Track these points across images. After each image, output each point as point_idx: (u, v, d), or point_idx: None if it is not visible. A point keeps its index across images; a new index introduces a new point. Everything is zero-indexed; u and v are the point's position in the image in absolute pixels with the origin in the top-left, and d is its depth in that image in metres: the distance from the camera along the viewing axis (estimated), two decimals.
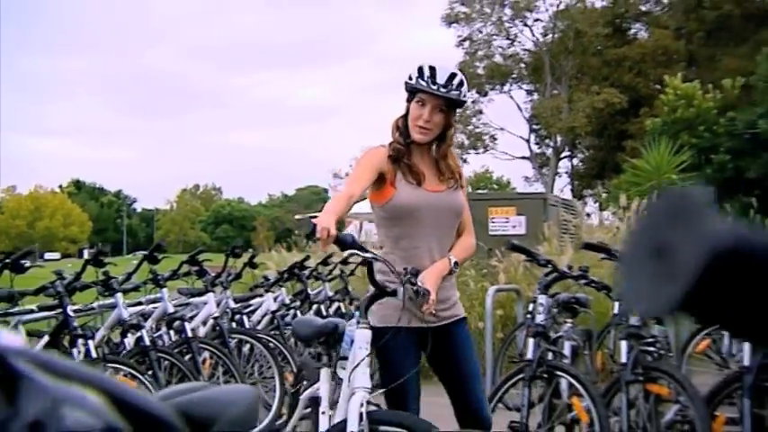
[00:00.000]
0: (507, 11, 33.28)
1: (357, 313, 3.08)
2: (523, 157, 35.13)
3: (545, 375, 3.98)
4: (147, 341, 4.44)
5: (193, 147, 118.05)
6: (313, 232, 2.60)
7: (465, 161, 35.39)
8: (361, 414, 2.80)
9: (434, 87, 2.88)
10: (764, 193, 13.69)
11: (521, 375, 3.95)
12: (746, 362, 3.59)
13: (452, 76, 2.94)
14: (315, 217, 2.68)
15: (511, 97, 34.89)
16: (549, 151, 34.49)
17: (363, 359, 2.85)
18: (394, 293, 2.84)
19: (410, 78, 2.95)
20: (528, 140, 34.64)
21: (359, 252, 2.81)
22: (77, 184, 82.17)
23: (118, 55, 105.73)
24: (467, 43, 34.23)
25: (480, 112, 34.89)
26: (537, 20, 33.32)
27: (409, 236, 3.00)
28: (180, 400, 1.32)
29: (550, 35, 33.08)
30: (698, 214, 0.39)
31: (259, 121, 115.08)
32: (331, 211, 2.78)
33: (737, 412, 3.59)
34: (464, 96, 3.02)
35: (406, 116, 3.01)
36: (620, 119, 29.01)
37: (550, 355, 4.10)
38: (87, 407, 0.50)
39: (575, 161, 36.09)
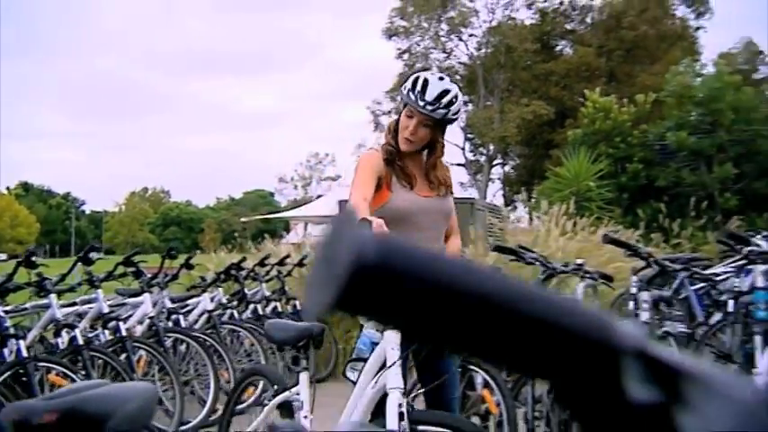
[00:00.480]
0: (444, 26, 33.47)
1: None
2: (459, 164, 35.42)
3: (460, 369, 4.04)
4: (81, 340, 4.36)
5: (143, 150, 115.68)
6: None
7: None
8: (401, 414, 2.70)
9: (421, 105, 2.82)
10: (672, 199, 14.03)
11: None
12: None
13: (443, 93, 2.85)
14: (365, 219, 2.55)
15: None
16: (483, 159, 34.77)
17: (397, 360, 2.73)
18: None
19: (404, 88, 2.91)
20: (463, 148, 34.83)
21: None
22: (25, 186, 79.57)
23: (68, 59, 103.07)
24: (406, 55, 34.32)
25: None
26: (471, 35, 33.55)
27: (403, 238, 2.94)
28: (74, 398, 1.32)
29: (484, 50, 33.33)
30: (351, 229, 0.40)
31: (208, 126, 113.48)
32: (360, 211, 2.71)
33: None
34: (453, 114, 2.92)
35: (398, 119, 2.98)
36: (548, 129, 29.42)
37: None
38: None
39: (506, 168, 36.47)
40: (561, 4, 32.26)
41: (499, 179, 36.25)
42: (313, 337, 3.22)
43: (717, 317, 5.11)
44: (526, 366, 0.44)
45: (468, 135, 34.60)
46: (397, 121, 2.98)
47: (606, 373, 0.40)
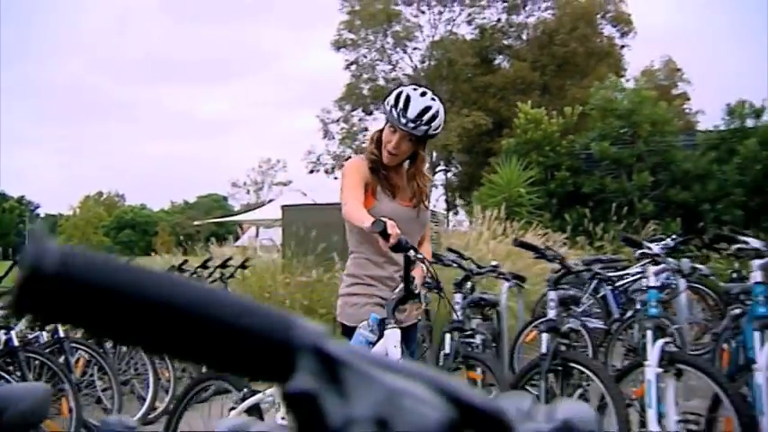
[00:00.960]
0: (389, 39, 33.61)
1: (374, 316, 2.87)
2: None
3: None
4: (16, 342, 4.32)
5: (99, 155, 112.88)
6: (384, 230, 2.50)
7: None
8: None
9: (403, 122, 2.78)
10: (596, 204, 14.37)
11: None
12: (543, 348, 3.83)
13: (425, 110, 2.80)
14: (378, 220, 2.53)
15: None
16: (427, 166, 34.95)
17: (400, 358, 2.66)
18: (418, 296, 2.73)
19: (387, 103, 2.87)
20: None
21: (412, 254, 2.63)
22: None
23: (26, 64, 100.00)
24: (353, 67, 34.36)
25: (365, 129, 35.11)
26: (416, 48, 33.72)
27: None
28: None
29: (427, 62, 33.55)
30: (37, 241, 0.42)
31: (165, 132, 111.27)
32: (363, 214, 2.70)
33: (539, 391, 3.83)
34: (434, 130, 2.86)
35: (382, 130, 2.94)
36: (486, 138, 29.70)
37: None
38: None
39: (449, 174, 36.84)
40: (499, 21, 32.72)
41: (442, 185, 36.64)
42: None
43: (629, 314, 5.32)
44: (212, 362, 0.46)
45: None
46: (381, 132, 2.93)
47: (282, 366, 0.42)
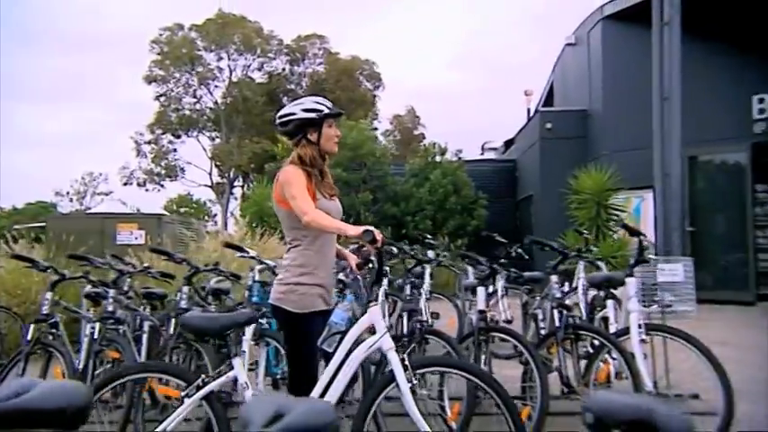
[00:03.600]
0: (194, 78, 32.52)
1: (349, 297, 2.79)
2: (207, 185, 34.62)
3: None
4: None
5: None
6: (374, 238, 2.46)
7: (162, 186, 34.06)
8: (405, 366, 2.56)
9: (336, 110, 2.89)
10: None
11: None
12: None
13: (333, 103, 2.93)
14: (367, 230, 2.48)
15: (198, 141, 34.09)
16: (225, 182, 34.27)
17: (387, 328, 2.66)
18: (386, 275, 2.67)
19: (323, 110, 2.81)
20: (210, 173, 34.11)
21: (393, 247, 2.77)
22: None
23: None
24: (163, 98, 32.81)
25: (174, 150, 33.71)
26: (216, 86, 32.99)
27: (322, 235, 2.73)
28: None
29: (227, 98, 32.91)
30: None
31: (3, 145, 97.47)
32: (338, 222, 2.67)
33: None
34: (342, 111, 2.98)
35: (313, 144, 2.79)
36: (272, 162, 29.73)
37: None
38: None
39: (245, 189, 36.34)
40: (284, 70, 33.03)
41: (241, 197, 36.10)
42: (241, 324, 2.83)
43: None
44: None
45: (216, 163, 33.99)
46: (308, 147, 2.79)
47: None
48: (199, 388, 2.59)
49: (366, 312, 2.70)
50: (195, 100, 33.22)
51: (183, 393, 2.63)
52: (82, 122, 51.02)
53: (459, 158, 16.27)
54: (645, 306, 9.46)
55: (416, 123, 34.57)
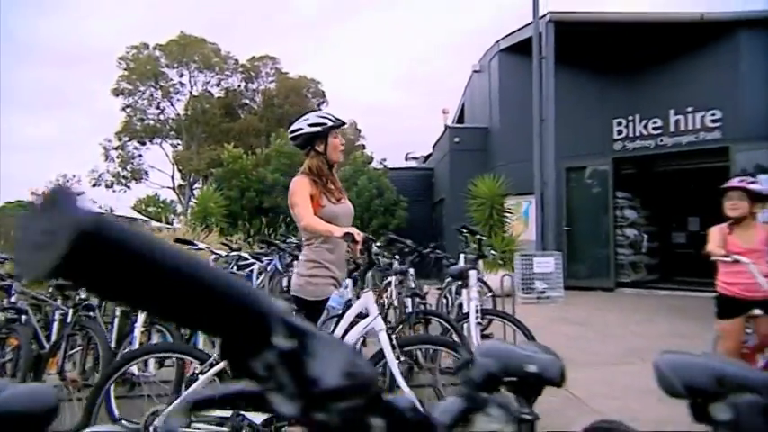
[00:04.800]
0: (158, 92, 31.41)
1: (349, 281, 2.72)
2: (169, 187, 33.51)
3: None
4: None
5: None
6: (354, 239, 2.47)
7: (128, 188, 32.76)
8: (393, 345, 2.54)
9: (341, 122, 2.84)
10: (273, 216, 14.42)
11: None
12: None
13: (335, 115, 2.87)
14: (347, 232, 2.51)
15: (162, 147, 32.96)
16: (186, 184, 33.28)
17: (377, 312, 2.60)
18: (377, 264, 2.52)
19: (327, 122, 2.77)
20: (172, 176, 33.04)
21: (370, 243, 2.58)
22: None
23: None
24: (129, 109, 31.57)
25: (140, 155, 32.48)
26: (179, 100, 32.03)
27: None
28: None
29: (188, 110, 31.95)
30: (66, 200, 0.32)
31: None
32: (328, 226, 2.61)
33: None
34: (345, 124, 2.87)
35: (321, 155, 2.78)
36: (219, 167, 28.93)
37: None
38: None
39: (208, 188, 35.38)
40: (239, 86, 32.34)
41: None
42: None
43: None
44: (206, 326, 0.38)
45: (178, 168, 32.95)
46: (315, 157, 2.79)
47: (260, 330, 0.37)
48: (212, 365, 2.58)
49: (360, 297, 2.72)
50: (159, 111, 32.12)
51: (197, 370, 2.63)
52: (62, 129, 48.47)
53: (384, 166, 16.39)
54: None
55: (358, 136, 34.58)
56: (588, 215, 11.68)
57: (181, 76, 31.38)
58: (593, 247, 11.52)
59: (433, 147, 18.28)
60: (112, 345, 3.85)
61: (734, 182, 3.42)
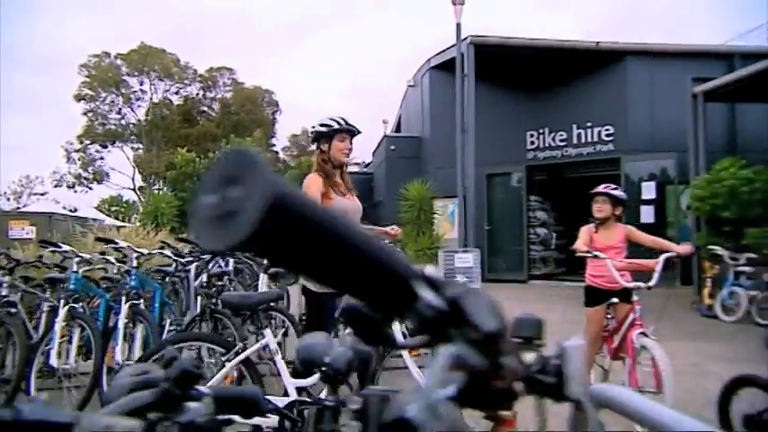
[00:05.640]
0: (120, 98, 29.87)
1: None
2: (130, 188, 31.96)
3: None
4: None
5: None
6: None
7: (90, 188, 30.95)
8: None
9: (353, 126, 2.74)
10: None
11: None
12: None
13: (346, 119, 2.77)
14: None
15: (123, 151, 31.38)
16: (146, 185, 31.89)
17: None
18: None
19: (333, 125, 2.69)
20: (133, 178, 31.53)
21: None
22: None
23: None
24: (91, 113, 29.86)
25: (102, 158, 30.83)
26: (140, 106, 30.64)
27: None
28: None
29: (149, 116, 30.60)
30: (254, 168, 0.28)
31: None
32: None
33: None
34: (359, 130, 2.79)
35: (324, 153, 2.70)
36: (173, 170, 27.92)
37: None
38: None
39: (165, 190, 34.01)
40: (198, 94, 31.32)
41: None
42: (270, 301, 2.62)
43: None
44: (369, 295, 0.36)
45: (139, 170, 31.46)
46: (325, 151, 2.71)
47: (409, 289, 0.36)
48: (237, 354, 2.54)
49: None
50: (120, 116, 30.57)
51: (224, 358, 2.58)
52: (31, 131, 45.22)
53: None
54: None
55: (309, 142, 34.21)
56: (506, 216, 11.95)
57: (141, 83, 30.14)
58: (510, 244, 11.79)
59: (373, 153, 18.26)
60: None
61: (600, 188, 3.52)
